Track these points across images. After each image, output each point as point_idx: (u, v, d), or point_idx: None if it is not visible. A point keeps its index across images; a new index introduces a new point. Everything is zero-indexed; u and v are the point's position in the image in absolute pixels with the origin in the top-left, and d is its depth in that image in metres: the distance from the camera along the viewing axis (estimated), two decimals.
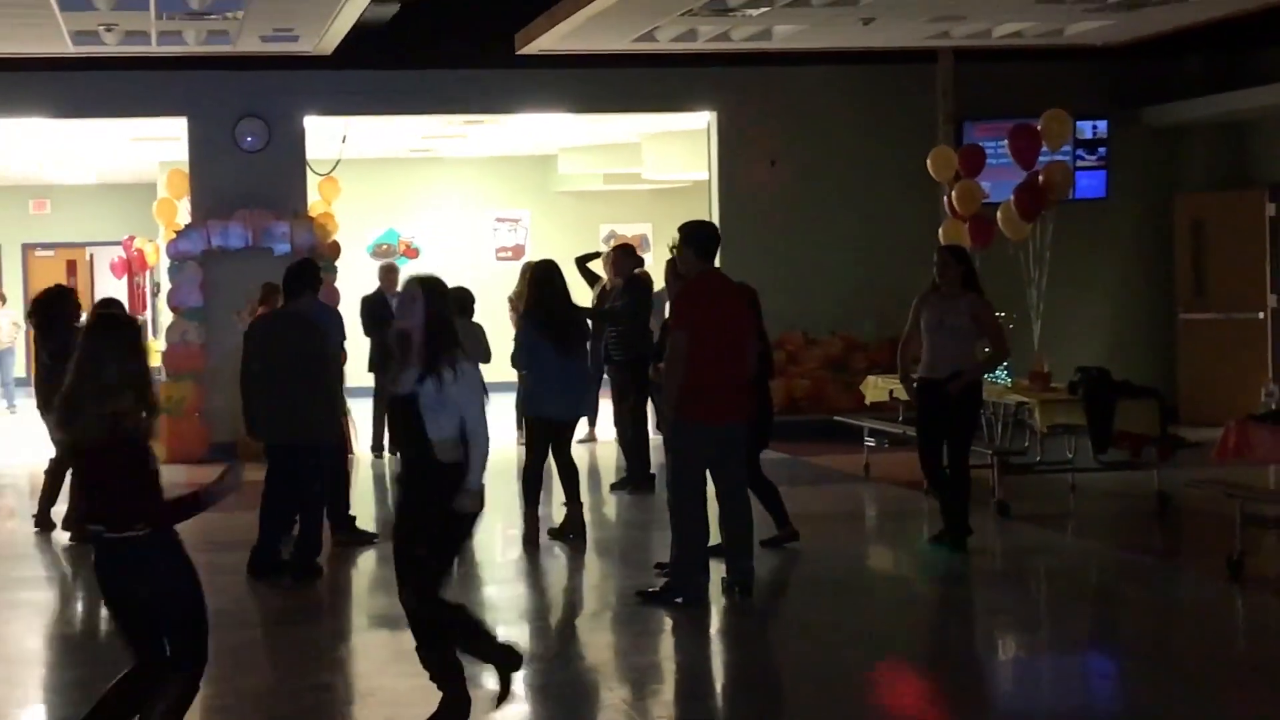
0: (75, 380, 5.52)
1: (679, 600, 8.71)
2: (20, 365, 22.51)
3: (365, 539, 10.83)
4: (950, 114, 16.31)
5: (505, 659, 6.55)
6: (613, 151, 21.18)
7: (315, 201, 17.65)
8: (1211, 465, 10.78)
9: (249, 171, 16.08)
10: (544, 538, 10.78)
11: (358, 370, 14.29)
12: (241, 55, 14.66)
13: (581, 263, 15.20)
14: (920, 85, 16.44)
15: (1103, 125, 16.69)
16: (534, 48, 14.54)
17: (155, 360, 16.13)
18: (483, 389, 6.47)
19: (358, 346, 13.74)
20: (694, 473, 8.82)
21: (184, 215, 17.60)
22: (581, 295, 14.36)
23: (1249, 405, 12.30)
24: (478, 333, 12.31)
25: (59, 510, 11.43)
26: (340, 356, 10.88)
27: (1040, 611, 9.29)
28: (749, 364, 8.96)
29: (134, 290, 24.39)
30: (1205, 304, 17.06)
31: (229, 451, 14.23)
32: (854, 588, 9.68)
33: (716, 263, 9.12)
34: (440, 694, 6.43)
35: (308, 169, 16.76)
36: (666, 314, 9.95)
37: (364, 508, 11.90)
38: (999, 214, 13.97)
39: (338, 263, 16.36)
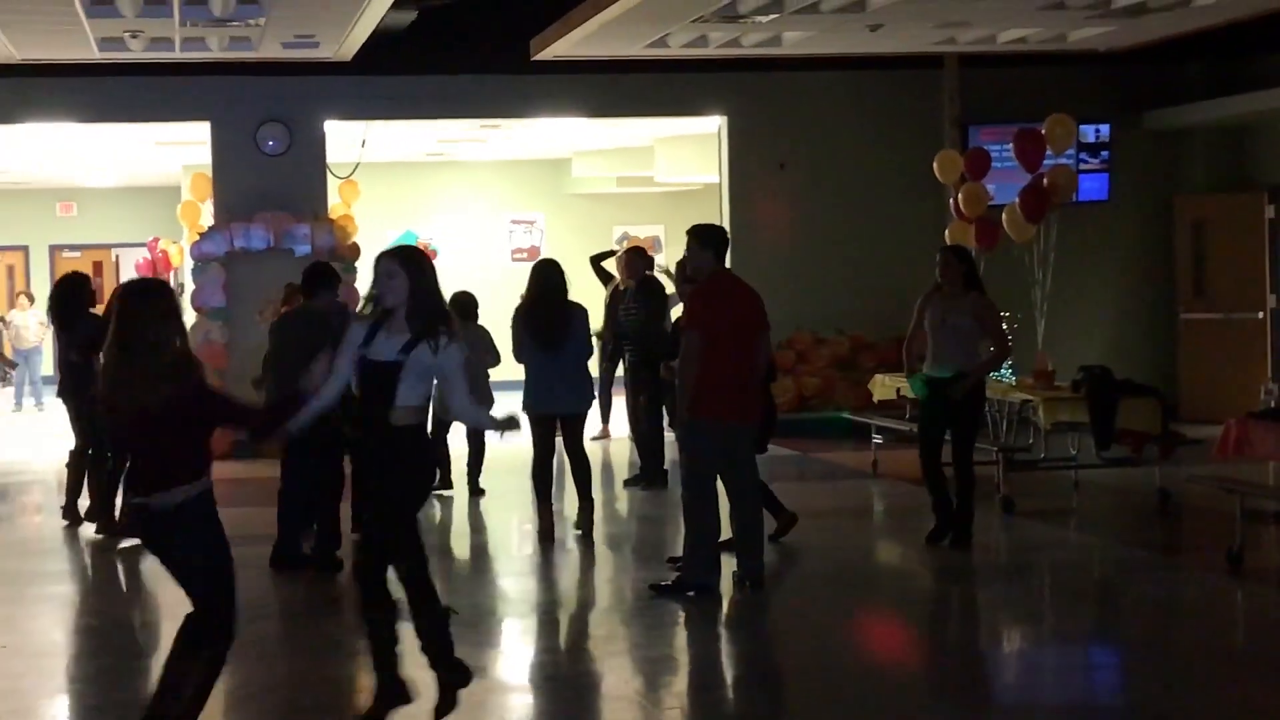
0: (118, 350, 5.54)
1: (691, 594, 8.79)
2: (48, 363, 22.55)
3: None
4: (956, 118, 16.38)
5: (399, 691, 6.52)
6: (625, 155, 21.25)
7: (335, 204, 17.76)
8: (1212, 462, 10.92)
9: (271, 175, 16.19)
10: (559, 531, 10.83)
11: None
12: (263, 61, 14.74)
13: (595, 261, 15.47)
14: (926, 90, 16.52)
15: (1105, 129, 16.70)
16: (549, 53, 14.62)
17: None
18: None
19: None
20: (706, 469, 8.90)
21: (207, 217, 17.63)
22: (595, 294, 14.62)
23: (1248, 403, 12.50)
24: (483, 336, 12.25)
25: (84, 503, 11.49)
26: None
27: (1044, 605, 9.29)
28: (760, 364, 9.09)
29: None
30: (1205, 304, 17.10)
31: (252, 448, 14.24)
32: (861, 582, 9.70)
33: (727, 263, 9.26)
34: (438, 679, 6.49)
35: (328, 172, 16.85)
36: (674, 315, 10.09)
37: None
38: (1004, 216, 14.10)
39: (357, 264, 16.34)
